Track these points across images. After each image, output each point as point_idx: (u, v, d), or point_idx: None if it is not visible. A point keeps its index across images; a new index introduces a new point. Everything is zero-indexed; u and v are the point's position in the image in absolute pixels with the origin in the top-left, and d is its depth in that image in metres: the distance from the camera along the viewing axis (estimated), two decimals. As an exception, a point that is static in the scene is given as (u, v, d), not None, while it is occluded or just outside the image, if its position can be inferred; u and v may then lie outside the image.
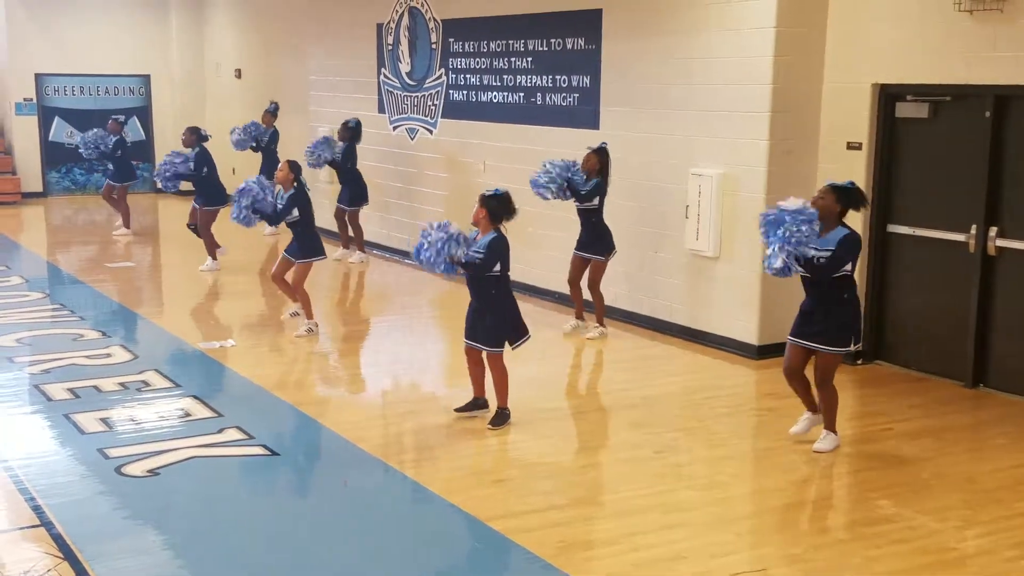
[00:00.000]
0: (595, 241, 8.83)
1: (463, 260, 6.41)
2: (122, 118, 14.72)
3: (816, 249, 6.00)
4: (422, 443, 6.63)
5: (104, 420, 6.77)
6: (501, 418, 6.77)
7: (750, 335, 8.42)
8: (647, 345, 8.96)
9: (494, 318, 6.65)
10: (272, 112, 14.45)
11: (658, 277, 9.26)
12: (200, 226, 11.87)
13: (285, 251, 9.08)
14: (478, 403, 6.94)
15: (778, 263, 5.94)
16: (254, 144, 14.24)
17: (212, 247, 11.83)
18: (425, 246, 6.41)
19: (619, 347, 8.90)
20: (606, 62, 9.64)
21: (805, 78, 8.20)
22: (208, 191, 11.69)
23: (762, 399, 7.59)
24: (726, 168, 8.49)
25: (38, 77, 17.66)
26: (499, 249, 6.54)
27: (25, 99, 17.62)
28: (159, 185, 12.11)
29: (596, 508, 5.67)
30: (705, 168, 8.63)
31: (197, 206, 11.88)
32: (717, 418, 7.05)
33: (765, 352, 8.35)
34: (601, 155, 8.78)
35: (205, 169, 11.78)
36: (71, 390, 7.37)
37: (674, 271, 9.09)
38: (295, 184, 8.84)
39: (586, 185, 8.72)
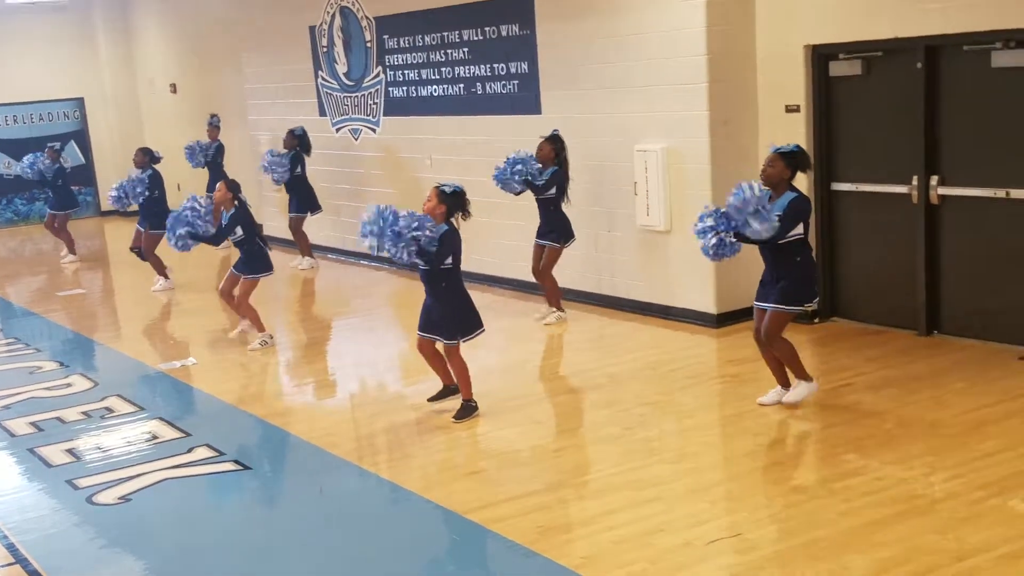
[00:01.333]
0: (552, 229, 8.86)
1: (422, 245, 6.42)
2: (58, 145, 14.48)
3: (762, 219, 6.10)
4: (394, 443, 6.64)
5: (70, 451, 6.70)
6: (466, 410, 6.79)
7: (708, 305, 8.51)
8: (607, 324, 9.03)
9: (447, 311, 6.68)
10: (215, 125, 14.32)
11: (613, 255, 9.32)
12: (145, 250, 11.74)
13: (233, 267, 9.03)
14: (449, 390, 6.97)
15: (712, 240, 6.07)
16: (205, 161, 14.11)
17: (160, 267, 11.71)
18: (386, 239, 6.39)
19: (580, 328, 8.95)
20: (542, 46, 9.66)
21: (739, 46, 8.28)
22: (156, 214, 11.54)
23: (724, 366, 7.68)
24: (669, 142, 8.56)
25: (-30, 108, 17.36)
26: (451, 242, 6.57)
27: (-42, 132, 17.32)
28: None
29: (571, 490, 5.71)
30: (649, 144, 8.69)
31: (142, 229, 11.72)
32: (682, 389, 7.13)
33: (724, 320, 8.45)
34: (555, 143, 8.77)
35: (156, 192, 11.64)
36: (33, 423, 7.28)
37: (628, 248, 9.16)
38: (235, 202, 8.79)
39: (542, 176, 8.73)
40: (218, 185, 8.99)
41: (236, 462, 6.35)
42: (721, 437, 6.42)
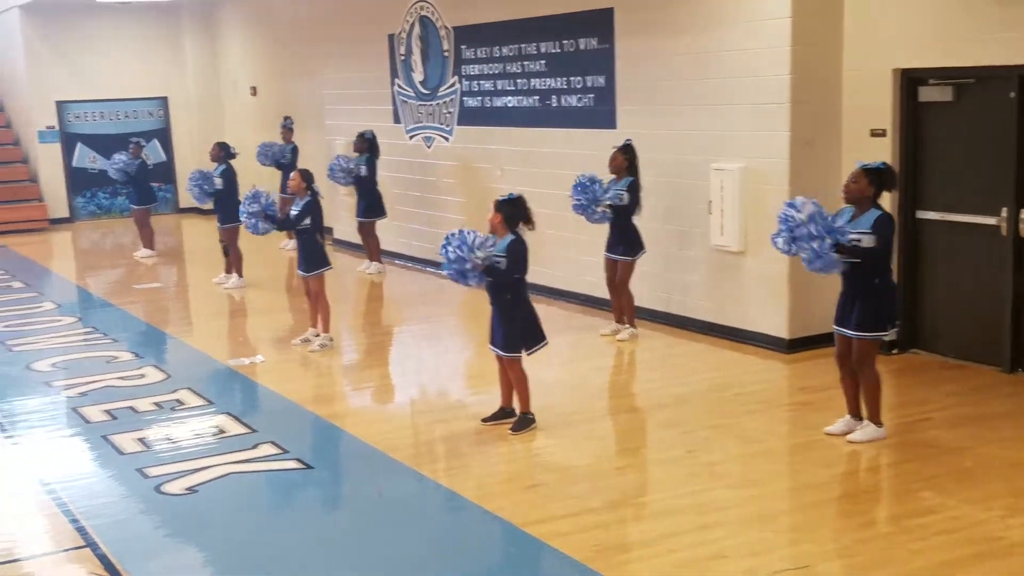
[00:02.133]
0: (622, 242, 8.80)
1: (487, 263, 6.41)
2: (143, 141, 14.80)
3: (845, 234, 6.00)
4: (453, 450, 6.63)
5: (141, 440, 6.81)
6: (523, 423, 6.74)
7: (780, 329, 8.36)
8: (675, 343, 8.92)
9: (510, 323, 6.65)
10: (288, 127, 14.53)
11: (684, 274, 9.22)
12: (228, 243, 11.92)
13: (298, 269, 9.11)
14: (506, 412, 6.91)
15: (818, 263, 5.95)
16: (278, 162, 14.30)
17: (239, 264, 11.89)
18: (450, 260, 6.38)
19: (647, 346, 8.86)
20: (620, 61, 9.62)
21: (824, 67, 8.15)
22: (227, 209, 11.72)
23: (795, 393, 7.54)
24: (748, 162, 8.45)
25: (59, 104, 17.83)
26: (518, 252, 6.55)
27: (48, 127, 17.80)
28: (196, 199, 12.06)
29: (631, 510, 5.65)
30: (726, 163, 8.59)
31: (219, 226, 11.92)
32: (750, 414, 7.01)
33: (796, 346, 8.29)
34: (627, 152, 8.74)
35: (229, 186, 11.83)
36: (108, 411, 7.42)
37: (700, 267, 9.05)
38: (309, 192, 8.88)
39: (616, 187, 8.68)
40: (292, 174, 9.09)
41: (299, 460, 6.40)
42: (789, 465, 6.29)
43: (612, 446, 6.73)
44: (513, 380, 6.76)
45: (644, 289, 9.42)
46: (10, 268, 13.62)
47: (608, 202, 8.64)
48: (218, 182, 11.68)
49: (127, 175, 13.97)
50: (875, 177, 6.13)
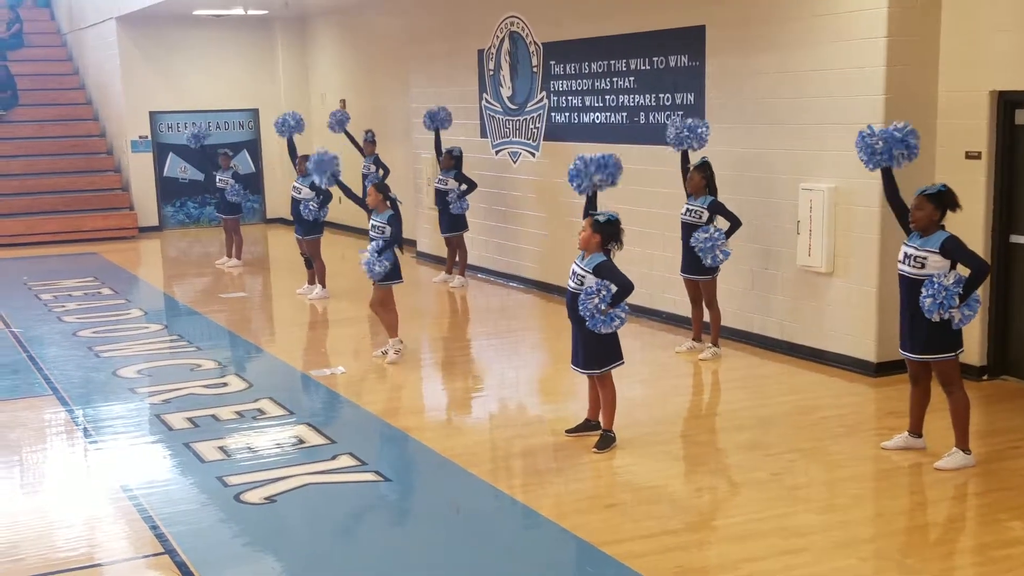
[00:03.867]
0: (698, 260, 8.68)
1: (614, 300, 6.43)
2: (230, 152, 15.09)
3: (916, 249, 6.08)
4: (531, 467, 6.59)
5: (222, 448, 6.91)
6: (606, 441, 6.68)
7: (867, 352, 8.15)
8: (759, 364, 8.76)
9: (592, 341, 6.58)
10: (370, 140, 14.68)
11: (769, 294, 9.06)
12: (311, 255, 12.06)
13: (376, 280, 9.13)
14: (590, 424, 6.89)
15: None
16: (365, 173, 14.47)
17: (322, 275, 12.03)
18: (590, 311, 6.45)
19: (730, 366, 8.72)
20: (710, 78, 9.51)
21: (919, 87, 7.95)
22: (309, 220, 11.85)
23: (882, 418, 7.33)
24: (838, 182, 8.27)
25: (152, 115, 18.29)
26: (613, 270, 6.50)
27: (140, 137, 18.26)
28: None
29: (712, 532, 5.54)
30: (816, 182, 8.42)
31: (299, 237, 12.07)
32: (835, 438, 6.84)
33: (884, 369, 8.07)
34: (705, 171, 8.64)
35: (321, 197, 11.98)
36: (190, 419, 7.55)
37: (786, 287, 8.89)
38: (388, 203, 8.92)
39: (692, 204, 8.59)
40: (368, 189, 9.15)
41: (377, 473, 6.42)
42: (874, 491, 6.10)
43: (693, 467, 6.61)
44: (602, 397, 6.72)
45: (727, 308, 9.27)
46: (100, 275, 13.99)
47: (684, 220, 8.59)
48: (305, 192, 11.83)
49: (221, 191, 14.22)
50: (937, 201, 6.08)
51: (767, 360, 8.83)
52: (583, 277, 6.50)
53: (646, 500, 5.93)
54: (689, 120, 8.85)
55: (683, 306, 9.40)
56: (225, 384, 8.50)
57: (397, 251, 9.02)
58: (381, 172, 13.79)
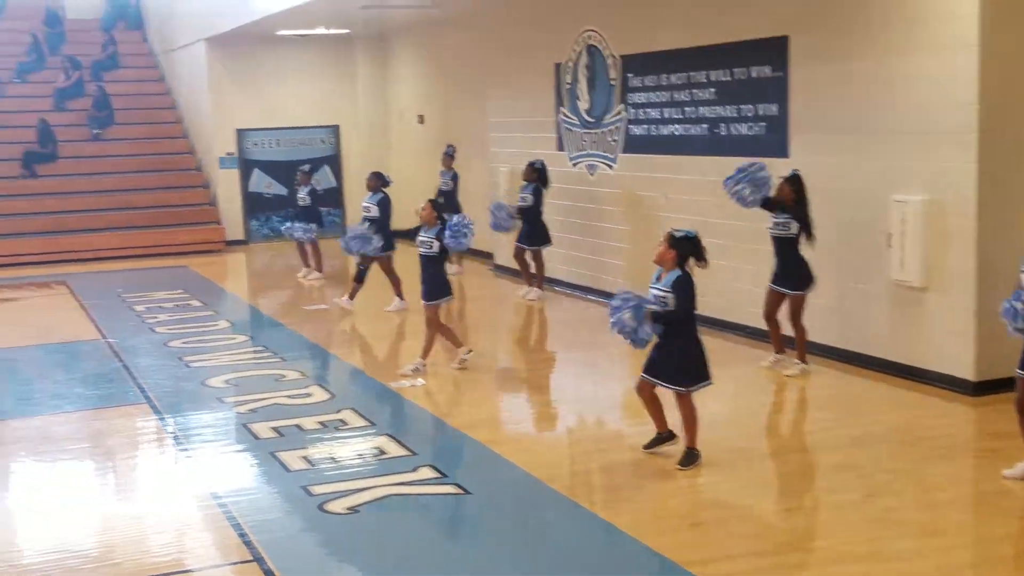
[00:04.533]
0: (792, 274, 8.49)
1: (656, 317, 6.31)
2: (308, 167, 15.25)
3: None
4: (611, 482, 6.51)
5: (306, 458, 6.95)
6: (690, 458, 6.55)
7: (966, 370, 7.87)
8: (851, 381, 8.53)
9: (679, 358, 6.48)
10: (450, 154, 14.75)
11: (861, 309, 8.82)
12: (384, 271, 12.09)
13: (422, 297, 9.12)
14: (662, 437, 6.76)
15: None
16: (443, 189, 14.54)
17: (398, 287, 12.08)
18: (618, 324, 6.39)
19: (820, 384, 8.50)
20: (794, 89, 9.34)
21: (1015, 95, 7.69)
22: (383, 237, 11.91)
23: (982, 439, 7.08)
24: (931, 194, 8.03)
25: (239, 132, 18.68)
26: (687, 289, 6.39)
27: (228, 153, 18.67)
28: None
29: (802, 555, 5.38)
30: (908, 194, 8.19)
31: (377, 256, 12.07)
32: (932, 460, 6.60)
33: (984, 388, 7.77)
34: (794, 183, 8.46)
35: (381, 214, 12.03)
36: (276, 429, 7.62)
37: (877, 302, 8.65)
38: (439, 221, 8.95)
39: (780, 217, 8.44)
40: (423, 204, 9.19)
41: (457, 485, 6.40)
42: (975, 516, 5.88)
43: (781, 486, 6.46)
44: (682, 414, 6.59)
45: (816, 323, 9.05)
46: (189, 288, 14.29)
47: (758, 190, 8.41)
48: (373, 210, 11.91)
49: (311, 198, 14.40)
50: None
51: (858, 377, 8.59)
52: (665, 299, 6.40)
53: (733, 520, 5.80)
54: (744, 176, 8.49)
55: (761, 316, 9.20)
56: (309, 395, 8.58)
57: (446, 266, 9.05)
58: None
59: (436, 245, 8.90)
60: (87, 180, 18.24)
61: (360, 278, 12.08)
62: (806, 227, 8.40)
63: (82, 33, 21.33)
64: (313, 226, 14.43)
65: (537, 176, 12.35)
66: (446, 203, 14.07)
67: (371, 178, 12.34)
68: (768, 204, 8.45)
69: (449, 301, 9.20)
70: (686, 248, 6.44)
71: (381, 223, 11.92)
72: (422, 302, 9.14)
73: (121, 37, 21.45)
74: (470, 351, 9.22)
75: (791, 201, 8.42)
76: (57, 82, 19.69)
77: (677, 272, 6.41)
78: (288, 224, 14.90)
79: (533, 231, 12.43)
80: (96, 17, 21.82)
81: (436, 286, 9.03)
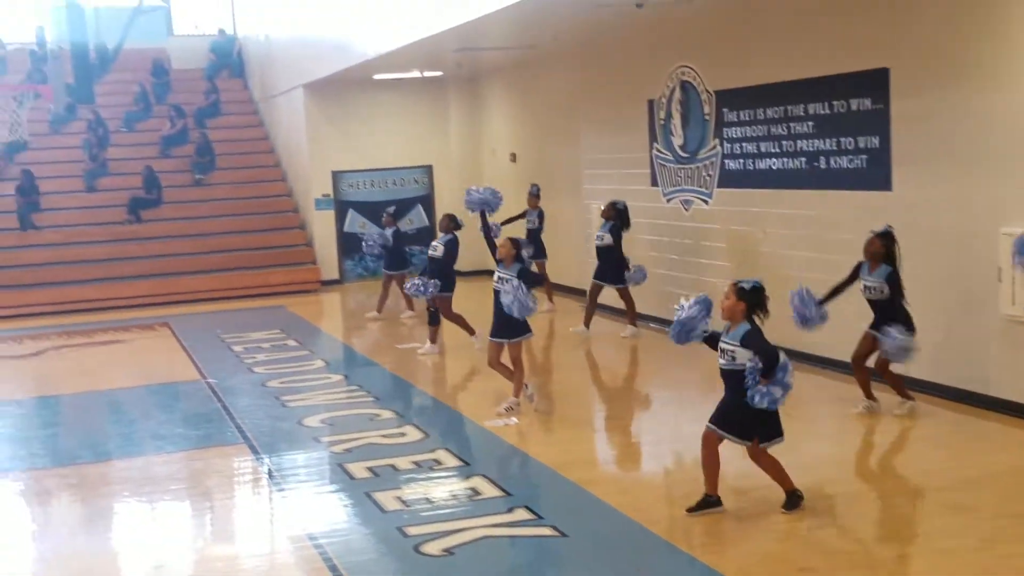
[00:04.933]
0: (893, 323, 8.21)
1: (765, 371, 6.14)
2: (392, 209, 15.34)
3: None
4: (710, 526, 6.31)
5: (401, 498, 6.93)
6: (794, 501, 6.32)
7: (1083, 408, 7.50)
8: (961, 420, 8.19)
9: (749, 411, 6.23)
10: (534, 194, 14.72)
11: (970, 346, 8.49)
12: (442, 313, 12.07)
13: (491, 335, 9.04)
14: (709, 501, 6.45)
15: None
16: (528, 229, 14.51)
17: (466, 326, 12.04)
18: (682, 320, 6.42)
19: (929, 423, 8.18)
20: (896, 121, 9.10)
21: None
22: (446, 276, 11.90)
23: (1104, 481, 6.70)
24: (1042, 224, 7.71)
25: (335, 174, 19.03)
26: (761, 338, 6.20)
27: (324, 195, 19.02)
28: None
29: (916, 603, 5.14)
30: (1018, 226, 7.87)
31: (437, 296, 11.95)
32: (1051, 503, 6.28)
33: (1102, 427, 7.40)
34: (886, 239, 8.13)
35: (446, 255, 12.00)
36: (371, 468, 7.62)
37: (988, 338, 8.31)
38: (516, 258, 8.90)
39: (871, 277, 8.14)
40: (502, 241, 9.14)
41: (554, 528, 6.29)
42: (1101, 563, 5.54)
43: (891, 530, 6.20)
44: (763, 467, 6.38)
45: (923, 361, 8.73)
46: (286, 327, 14.51)
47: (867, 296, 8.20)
48: (440, 250, 11.95)
49: (384, 247, 14.56)
50: None
51: (969, 416, 8.24)
52: (733, 353, 6.23)
53: (841, 565, 5.57)
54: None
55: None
56: (403, 434, 8.58)
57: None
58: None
59: (516, 282, 8.82)
60: (189, 224, 18.77)
61: (434, 320, 12.10)
62: (896, 287, 8.07)
63: (187, 82, 22.08)
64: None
65: (617, 215, 12.24)
66: (532, 242, 14.06)
67: (444, 219, 12.40)
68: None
69: (528, 338, 9.11)
70: (755, 299, 6.27)
71: (445, 264, 11.94)
72: (492, 339, 9.00)
73: (224, 85, 22.15)
74: (519, 403, 9.07)
75: (880, 256, 8.10)
76: (163, 130, 20.38)
77: (746, 325, 6.24)
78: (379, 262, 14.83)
79: (605, 268, 12.31)
80: (200, 67, 22.56)
81: (517, 323, 8.93)
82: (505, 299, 8.68)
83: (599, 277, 12.42)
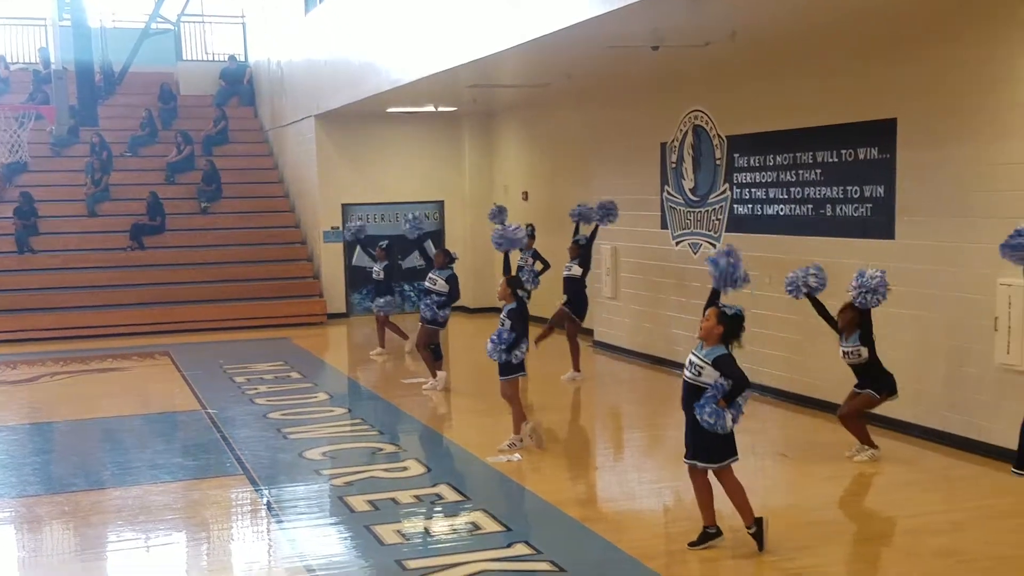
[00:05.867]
0: (872, 381, 8.41)
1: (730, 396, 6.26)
2: (385, 243, 15.10)
3: None
4: (709, 563, 6.38)
5: (401, 532, 6.97)
6: (758, 534, 6.38)
7: (1078, 459, 7.51)
8: (953, 465, 8.26)
9: (707, 432, 6.35)
10: (530, 235, 14.78)
11: (964, 393, 8.57)
12: (419, 341, 12.13)
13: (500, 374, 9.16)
14: (709, 533, 6.55)
15: None
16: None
17: (430, 367, 12.08)
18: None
19: (921, 468, 8.26)
20: (902, 171, 9.22)
21: None
22: (442, 312, 11.98)
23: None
24: (1040, 277, 7.78)
25: (344, 207, 19.09)
26: (733, 363, 6.32)
27: (332, 227, 19.07)
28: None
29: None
30: (1016, 278, 7.95)
31: (423, 324, 12.09)
32: (1046, 551, 6.31)
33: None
34: (855, 310, 8.34)
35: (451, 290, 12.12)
36: (371, 502, 7.66)
37: (983, 386, 8.39)
38: (515, 299, 9.00)
39: (847, 343, 8.42)
40: (501, 282, 9.25)
41: (552, 563, 6.34)
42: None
43: (880, 572, 6.22)
44: (729, 494, 6.48)
45: (921, 407, 8.82)
46: (290, 359, 14.54)
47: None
48: (441, 284, 12.05)
49: (358, 239, 14.69)
50: None
51: (960, 461, 8.32)
52: (701, 368, 6.35)
53: (834, 609, 5.60)
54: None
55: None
56: (405, 468, 8.62)
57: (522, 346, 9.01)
58: (540, 266, 13.90)
59: (507, 322, 8.94)
60: (193, 252, 18.76)
61: (437, 354, 12.16)
62: (871, 350, 8.32)
63: (195, 108, 22.07)
64: (388, 299, 14.58)
65: (581, 252, 12.59)
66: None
67: (440, 254, 12.54)
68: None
69: (522, 376, 9.20)
70: (733, 326, 6.38)
71: (452, 297, 12.04)
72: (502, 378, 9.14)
73: (233, 113, 22.11)
74: (522, 440, 9.13)
75: (854, 324, 8.31)
76: (169, 156, 20.40)
77: (721, 349, 6.33)
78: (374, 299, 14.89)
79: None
80: (209, 93, 22.59)
81: (511, 363, 9.02)
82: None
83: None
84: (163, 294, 17.78)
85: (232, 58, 23.20)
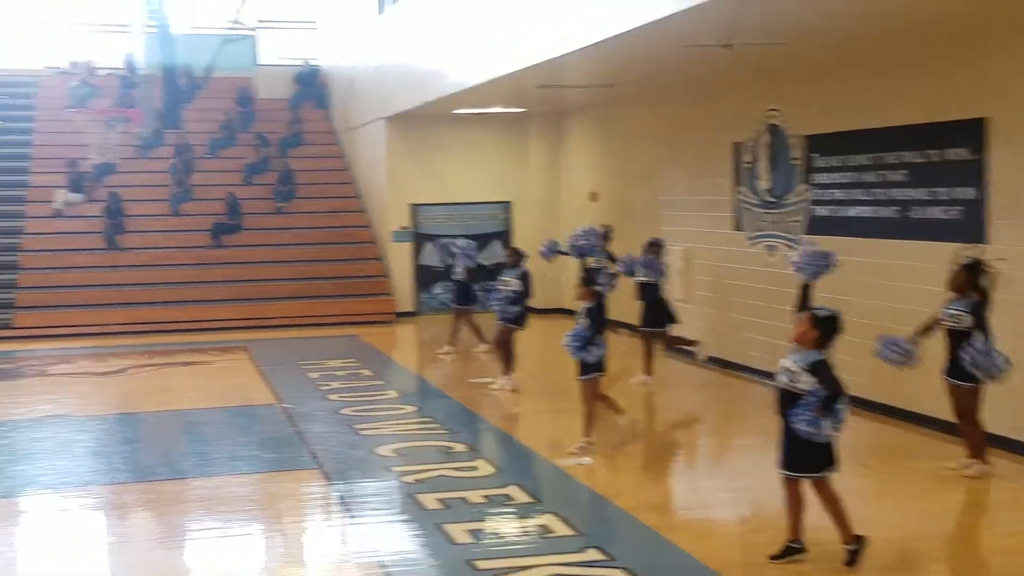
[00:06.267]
0: (963, 365, 7.95)
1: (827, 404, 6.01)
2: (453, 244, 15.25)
3: None
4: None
5: (471, 532, 6.87)
6: (854, 554, 6.12)
7: None
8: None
9: (807, 442, 6.08)
10: (605, 235, 14.58)
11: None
12: (496, 339, 12.06)
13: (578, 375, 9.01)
14: (792, 547, 6.29)
15: None
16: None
17: (507, 364, 11.94)
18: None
19: (1011, 485, 7.88)
20: (994, 172, 8.88)
21: None
22: (519, 310, 11.90)
23: None
24: None
25: (413, 207, 19.17)
26: (829, 370, 6.06)
27: (401, 227, 19.16)
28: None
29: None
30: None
31: (500, 322, 12.05)
32: None
33: None
34: (972, 270, 7.92)
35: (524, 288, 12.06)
36: (442, 500, 7.58)
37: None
38: (593, 296, 8.92)
39: (952, 307, 7.93)
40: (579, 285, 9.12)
41: (626, 571, 6.17)
42: None
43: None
44: (827, 508, 6.22)
45: (1011, 417, 8.43)
46: (360, 357, 14.58)
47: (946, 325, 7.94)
48: (514, 284, 11.98)
49: (456, 282, 14.59)
50: None
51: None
52: (797, 375, 6.10)
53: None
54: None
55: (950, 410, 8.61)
56: (475, 468, 8.53)
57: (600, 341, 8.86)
58: (614, 267, 13.66)
59: (586, 320, 8.80)
60: (269, 251, 19.04)
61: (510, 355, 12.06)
62: (980, 320, 7.81)
63: (272, 112, 22.47)
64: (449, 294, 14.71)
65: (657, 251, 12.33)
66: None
67: (511, 253, 12.55)
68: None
69: (595, 378, 9.03)
70: (828, 328, 6.13)
71: (525, 296, 11.97)
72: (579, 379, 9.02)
73: (307, 116, 22.50)
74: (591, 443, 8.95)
75: (965, 289, 7.89)
76: (247, 157, 20.79)
77: (817, 354, 6.09)
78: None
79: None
80: (285, 97, 22.98)
81: (585, 361, 8.88)
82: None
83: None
84: (241, 291, 18.06)
85: (306, 63, 23.57)
